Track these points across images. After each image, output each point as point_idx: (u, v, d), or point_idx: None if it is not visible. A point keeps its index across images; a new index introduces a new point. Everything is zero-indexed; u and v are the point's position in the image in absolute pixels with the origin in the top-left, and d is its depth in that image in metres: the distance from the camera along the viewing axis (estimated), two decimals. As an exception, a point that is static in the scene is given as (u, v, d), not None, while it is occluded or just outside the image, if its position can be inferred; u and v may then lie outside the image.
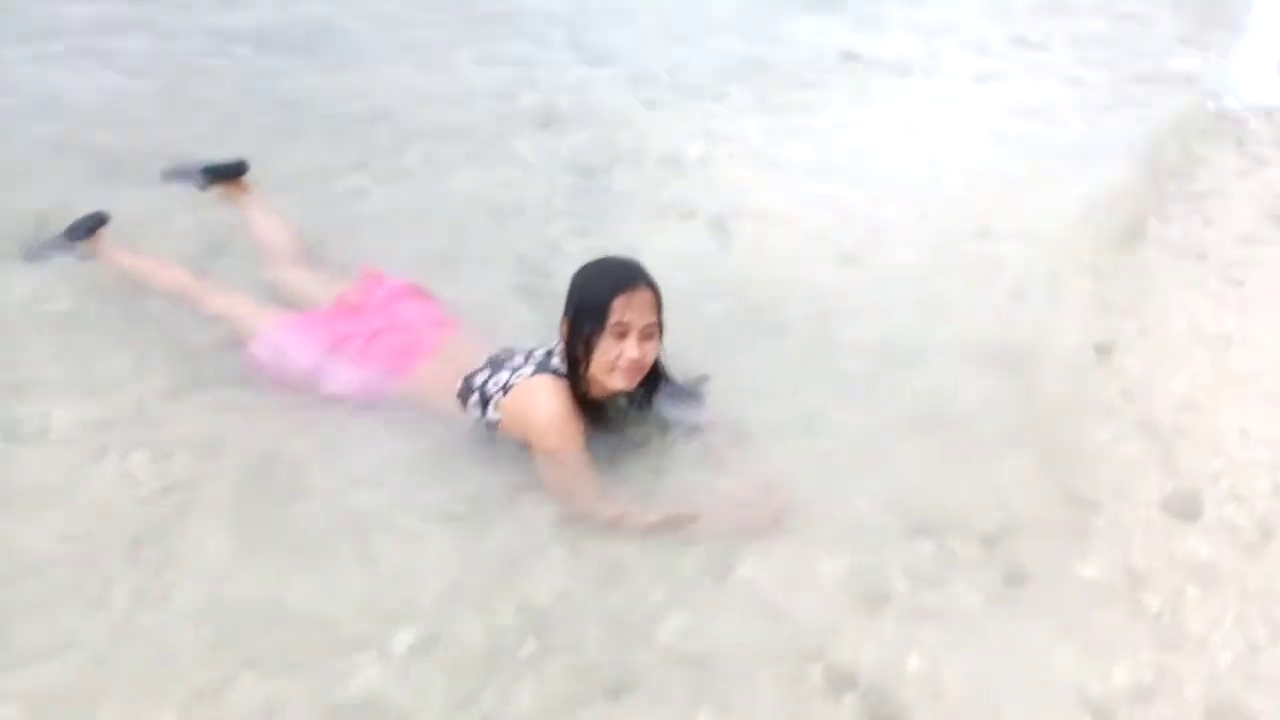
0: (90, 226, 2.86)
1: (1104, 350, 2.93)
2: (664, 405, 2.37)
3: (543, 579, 1.96)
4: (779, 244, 3.48)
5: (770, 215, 3.67)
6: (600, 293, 2.10)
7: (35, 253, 2.86)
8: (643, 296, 2.12)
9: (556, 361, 2.20)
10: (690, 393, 2.41)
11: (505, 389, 2.19)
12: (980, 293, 3.19)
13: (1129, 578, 2.10)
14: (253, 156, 3.53)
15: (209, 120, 3.99)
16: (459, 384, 2.27)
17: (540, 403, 2.13)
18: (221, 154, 3.43)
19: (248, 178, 3.15)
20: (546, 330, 2.30)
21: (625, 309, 2.08)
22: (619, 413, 2.31)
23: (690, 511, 2.14)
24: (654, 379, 2.29)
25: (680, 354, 2.38)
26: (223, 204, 3.09)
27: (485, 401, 2.21)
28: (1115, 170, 4.18)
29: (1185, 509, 2.31)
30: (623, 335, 2.09)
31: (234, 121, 4.01)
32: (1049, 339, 2.96)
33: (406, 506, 2.10)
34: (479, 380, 2.25)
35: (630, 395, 2.27)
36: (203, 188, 3.09)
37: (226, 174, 3.11)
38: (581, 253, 3.18)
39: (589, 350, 2.11)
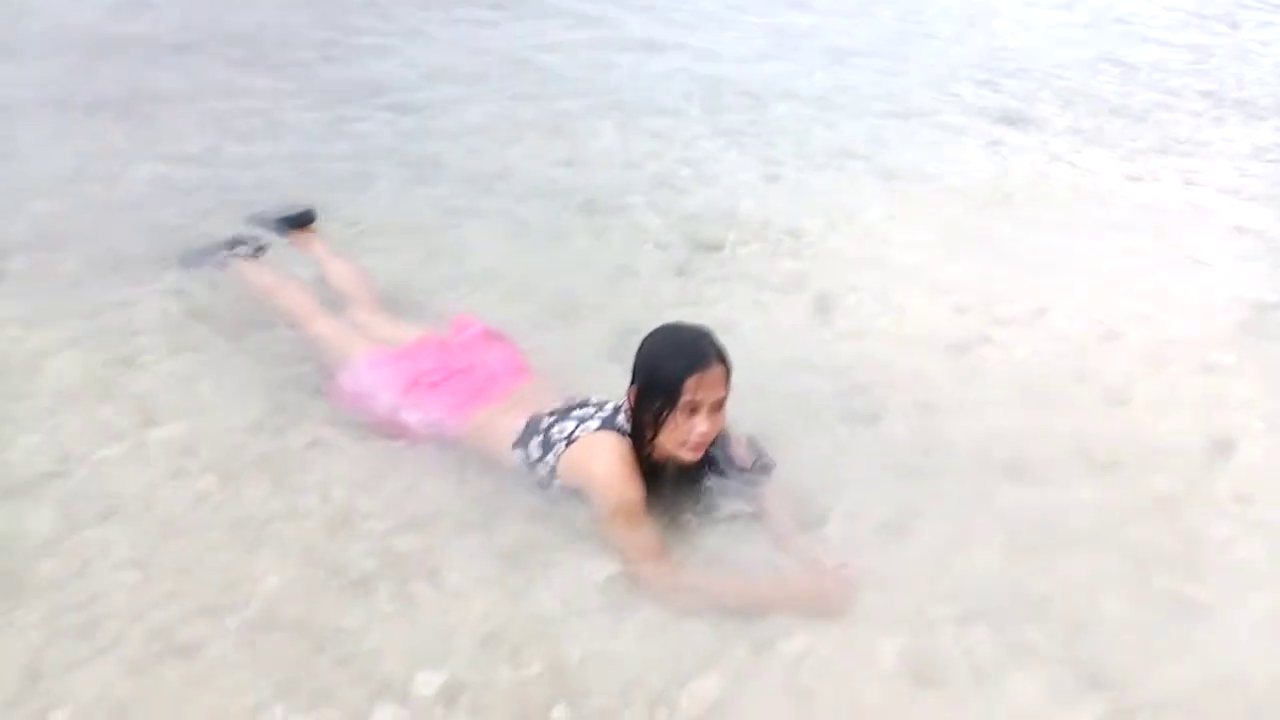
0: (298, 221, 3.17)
1: (1223, 447, 2.71)
2: (721, 472, 2.30)
3: (580, 637, 1.91)
4: (887, 328, 3.38)
5: (882, 297, 3.58)
6: (673, 371, 2.04)
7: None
8: (715, 374, 2.06)
9: (622, 420, 2.17)
10: (750, 470, 2.33)
11: (570, 440, 2.17)
12: (1093, 391, 3.01)
13: (1240, 689, 1.90)
14: (371, 211, 3.77)
15: (339, 174, 4.20)
16: (522, 426, 2.25)
17: (603, 459, 2.09)
18: (350, 205, 3.65)
19: (317, 226, 3.32)
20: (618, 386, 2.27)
21: (698, 388, 2.03)
22: (676, 476, 2.24)
23: (752, 586, 2.07)
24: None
25: (768, 433, 2.33)
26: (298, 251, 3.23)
27: (547, 446, 2.19)
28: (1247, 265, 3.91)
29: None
30: (694, 412, 2.04)
31: (363, 177, 4.21)
32: (1162, 437, 2.78)
33: (454, 553, 2.09)
34: (544, 424, 2.23)
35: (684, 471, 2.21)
36: (282, 233, 3.24)
37: (298, 223, 3.28)
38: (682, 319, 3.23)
39: (657, 424, 2.07)
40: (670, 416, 2.05)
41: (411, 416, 2.38)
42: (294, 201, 3.37)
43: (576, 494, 2.14)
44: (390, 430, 2.40)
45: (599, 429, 2.16)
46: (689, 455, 2.09)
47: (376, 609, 1.93)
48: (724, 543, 2.20)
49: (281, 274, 2.97)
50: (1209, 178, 5.22)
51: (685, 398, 2.02)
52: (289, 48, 5.93)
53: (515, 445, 2.24)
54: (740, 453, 2.33)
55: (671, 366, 2.05)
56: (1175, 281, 3.86)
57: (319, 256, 3.16)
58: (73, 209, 3.54)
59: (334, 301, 2.91)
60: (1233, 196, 4.96)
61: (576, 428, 2.18)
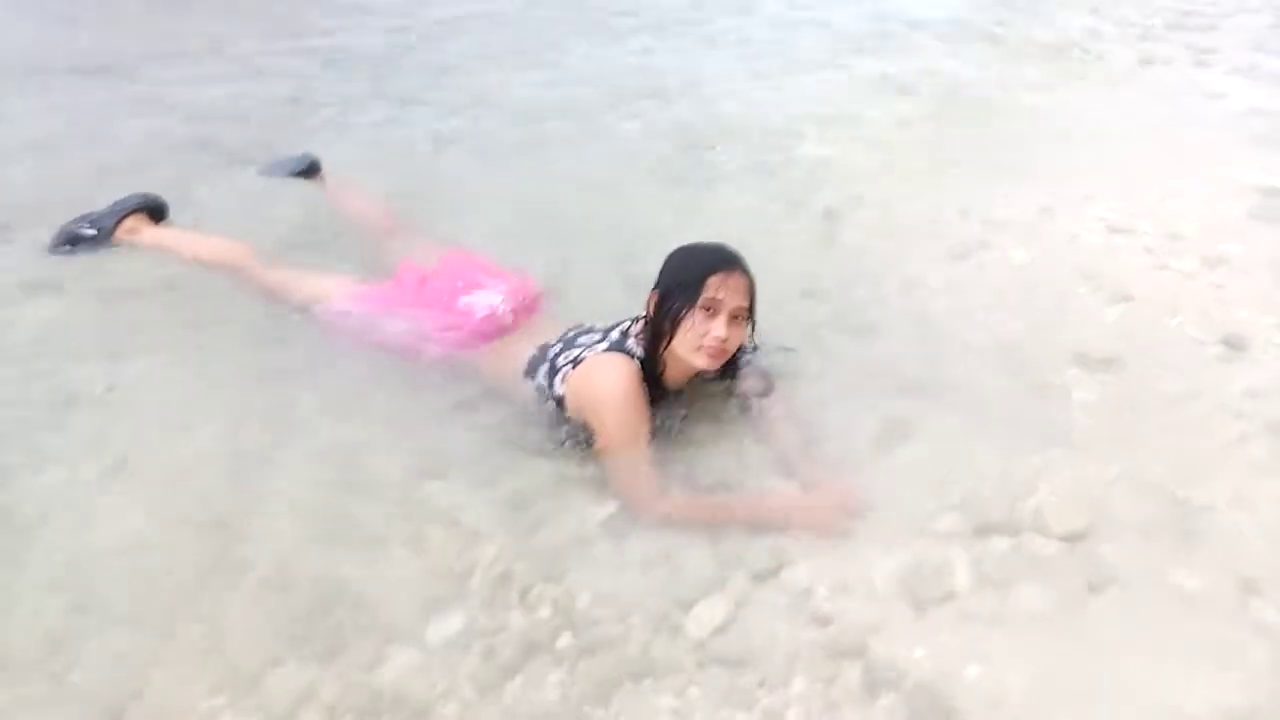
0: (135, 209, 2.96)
1: (1231, 343, 2.67)
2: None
3: (587, 572, 1.93)
4: (886, 234, 3.34)
5: (881, 203, 3.53)
6: (696, 268, 2.08)
7: (63, 236, 2.92)
8: (738, 280, 2.09)
9: (631, 343, 2.17)
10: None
11: (575, 362, 2.17)
12: (1097, 290, 2.96)
13: (1242, 587, 1.90)
14: (360, 148, 3.71)
15: (329, 114, 4.13)
16: (532, 354, 2.25)
17: (608, 380, 2.09)
18: (333, 143, 3.60)
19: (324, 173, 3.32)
20: (631, 307, 2.28)
21: (720, 287, 2.05)
22: (686, 395, 2.26)
23: (753, 506, 2.08)
24: (730, 369, 2.25)
25: (765, 344, 2.34)
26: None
27: (553, 373, 2.20)
28: (1258, 150, 3.80)
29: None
30: (713, 314, 2.06)
31: (349, 115, 4.13)
32: (1167, 335, 2.73)
33: (461, 499, 2.10)
34: (551, 352, 2.24)
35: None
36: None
37: (306, 173, 3.30)
38: (673, 229, 3.18)
39: (675, 325, 2.07)
40: (689, 314, 2.05)
41: (416, 344, 2.37)
42: (289, 153, 3.36)
43: (583, 421, 2.14)
44: (396, 351, 2.40)
45: (606, 350, 2.16)
46: (704, 360, 2.08)
47: (386, 558, 1.96)
48: (728, 464, 2.21)
49: (188, 230, 2.92)
50: (1222, 57, 5.03)
51: (706, 294, 2.04)
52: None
53: (526, 374, 2.25)
54: (751, 384, 2.33)
55: (695, 264, 2.09)
56: (1183, 171, 3.76)
57: (337, 200, 3.16)
58: (59, 172, 3.51)
59: (369, 238, 2.92)
60: (1245, 77, 4.78)
61: (583, 352, 2.19)
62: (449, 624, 1.81)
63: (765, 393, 2.33)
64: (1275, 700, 1.68)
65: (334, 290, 2.55)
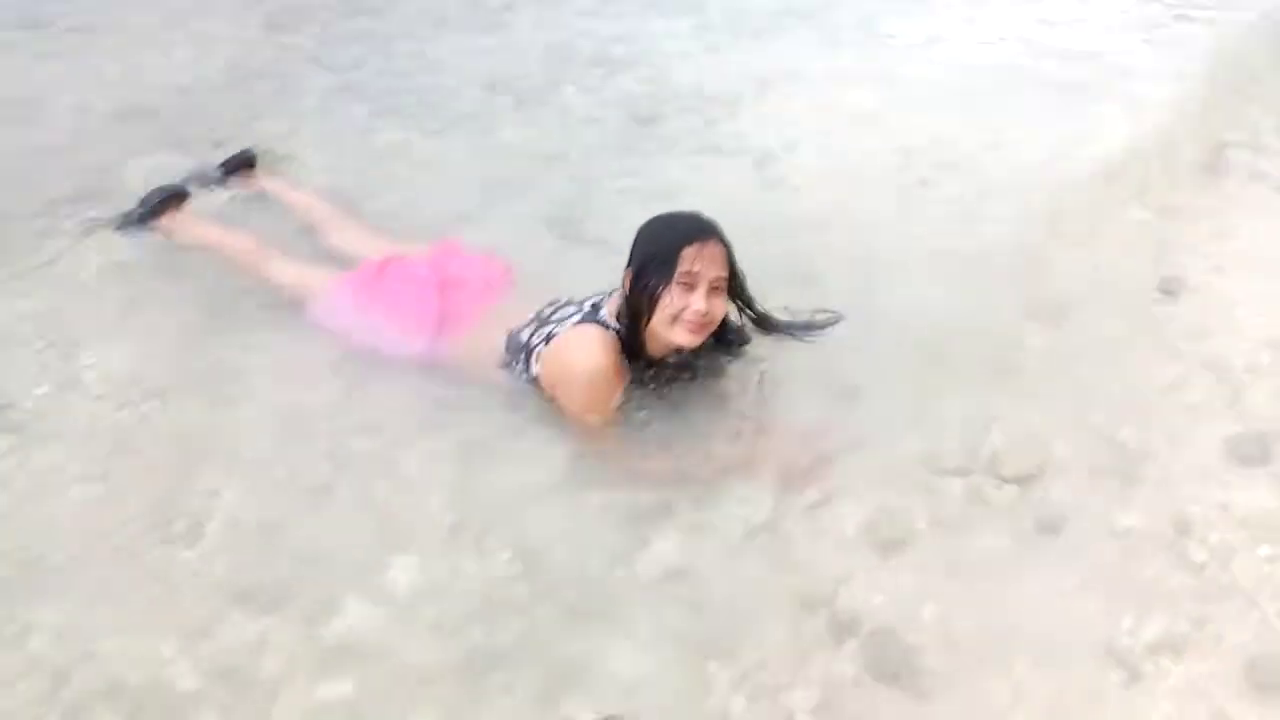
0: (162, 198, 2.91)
1: (1172, 286, 2.71)
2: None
3: (545, 518, 1.93)
4: (829, 184, 3.32)
5: (824, 152, 3.52)
6: (670, 241, 1.99)
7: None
8: (714, 249, 2.01)
9: (604, 314, 2.10)
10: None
11: (549, 339, 2.11)
12: (1042, 235, 2.99)
13: (1176, 527, 1.95)
14: (303, 122, 3.64)
15: (267, 90, 4.05)
16: (503, 344, 2.20)
17: (581, 352, 2.02)
18: (276, 117, 3.52)
19: (260, 163, 3.21)
20: (581, 271, 2.25)
21: (695, 259, 1.97)
22: (671, 372, 2.21)
23: (710, 464, 2.08)
24: (717, 340, 2.20)
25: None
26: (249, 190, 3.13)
27: (528, 355, 2.13)
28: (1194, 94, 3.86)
29: (1250, 455, 2.11)
30: (691, 287, 1.97)
31: (290, 89, 4.06)
32: (1112, 281, 2.76)
33: (409, 451, 2.09)
34: (524, 335, 2.17)
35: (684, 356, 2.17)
36: (221, 183, 3.13)
37: (238, 165, 3.16)
38: (621, 193, 3.16)
39: (653, 301, 1.98)
40: (666, 290, 1.97)
41: (393, 345, 2.32)
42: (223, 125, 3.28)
43: (553, 390, 2.10)
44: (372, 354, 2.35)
45: (580, 322, 2.10)
46: (685, 336, 2.01)
47: (336, 510, 1.95)
48: (701, 418, 2.20)
49: (212, 222, 2.88)
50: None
51: (682, 268, 1.96)
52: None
53: (502, 365, 2.19)
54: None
55: (669, 237, 2.01)
56: (1128, 120, 3.79)
57: (272, 192, 3.07)
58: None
59: (307, 230, 2.86)
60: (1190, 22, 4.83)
61: (554, 328, 2.13)
62: (404, 573, 1.80)
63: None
64: (1199, 630, 1.73)
65: (323, 286, 2.49)
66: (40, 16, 4.57)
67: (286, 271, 2.58)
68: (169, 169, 3.14)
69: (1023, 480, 2.05)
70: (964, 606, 1.78)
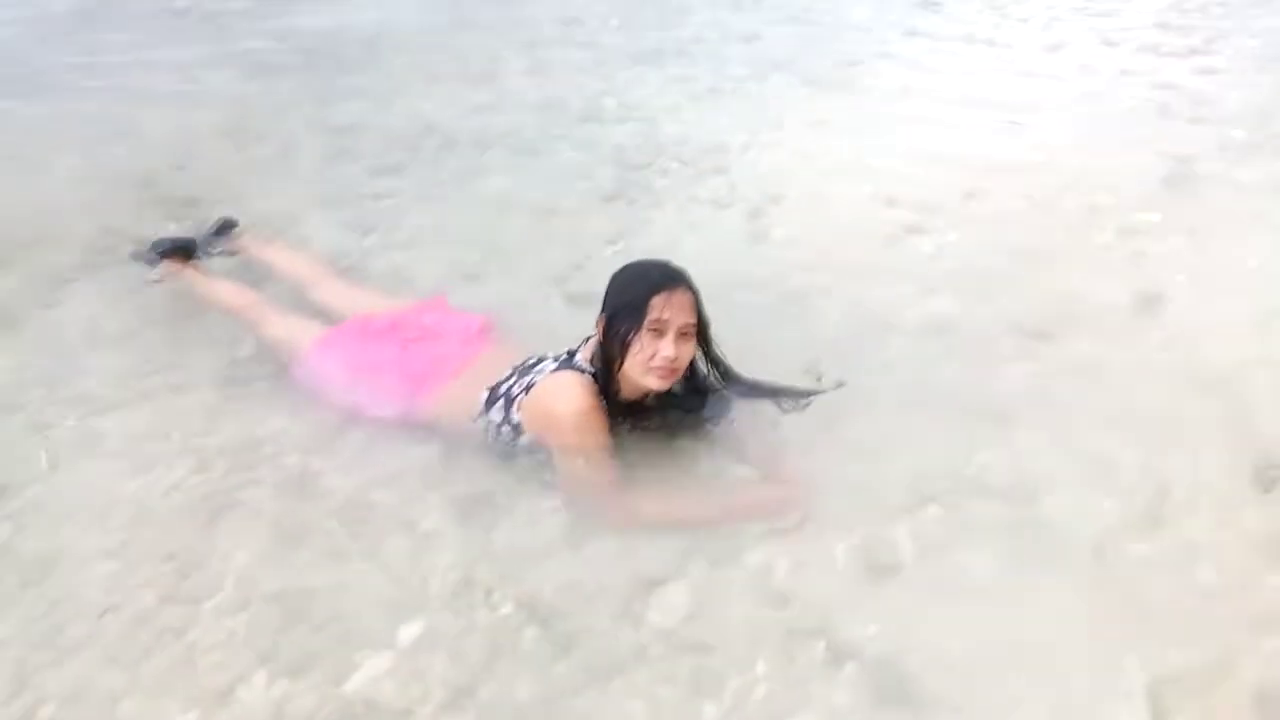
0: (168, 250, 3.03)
1: (1149, 303, 2.81)
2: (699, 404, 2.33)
3: (547, 570, 1.97)
4: (817, 230, 3.42)
5: (811, 200, 3.62)
6: (639, 290, 2.08)
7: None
8: (682, 297, 2.09)
9: (580, 359, 2.18)
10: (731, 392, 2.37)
11: (528, 389, 2.17)
12: (1023, 264, 3.08)
13: (1184, 550, 1.99)
14: (302, 182, 3.71)
15: (269, 147, 4.13)
16: (483, 399, 2.25)
17: (561, 397, 2.09)
18: (277, 180, 3.61)
19: (242, 226, 3.28)
20: (580, 327, 2.30)
21: (664, 306, 2.05)
22: (647, 413, 2.27)
23: (710, 503, 2.14)
24: (689, 382, 2.26)
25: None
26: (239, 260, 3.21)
27: (509, 404, 2.19)
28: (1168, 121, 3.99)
29: (1253, 477, 2.15)
30: (660, 334, 2.06)
31: (288, 150, 4.15)
32: (1090, 302, 2.85)
33: (416, 508, 2.14)
34: (502, 389, 2.23)
35: (660, 397, 2.23)
36: (211, 248, 3.20)
37: (222, 230, 3.23)
38: (612, 245, 3.25)
39: (625, 348, 2.07)
40: (636, 337, 2.05)
41: (371, 406, 2.38)
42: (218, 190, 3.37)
43: (540, 440, 2.15)
44: (352, 414, 2.41)
45: (556, 369, 2.18)
46: (655, 381, 2.09)
47: (348, 569, 1.99)
48: (686, 460, 2.26)
49: (214, 278, 2.97)
50: (1129, 35, 5.25)
51: (652, 315, 2.04)
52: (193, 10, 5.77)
53: (477, 417, 2.25)
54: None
55: (639, 286, 2.09)
56: (1100, 145, 3.92)
57: (258, 256, 3.15)
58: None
59: (293, 290, 2.92)
60: (1152, 54, 5.00)
61: (534, 376, 2.19)
62: (414, 628, 1.83)
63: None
64: (1209, 656, 1.75)
65: (306, 344, 2.55)
66: (43, 79, 4.68)
67: (277, 329, 2.66)
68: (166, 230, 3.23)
69: (1014, 503, 2.10)
70: (961, 630, 1.81)
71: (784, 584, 1.94)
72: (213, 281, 2.96)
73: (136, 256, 3.07)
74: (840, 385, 2.46)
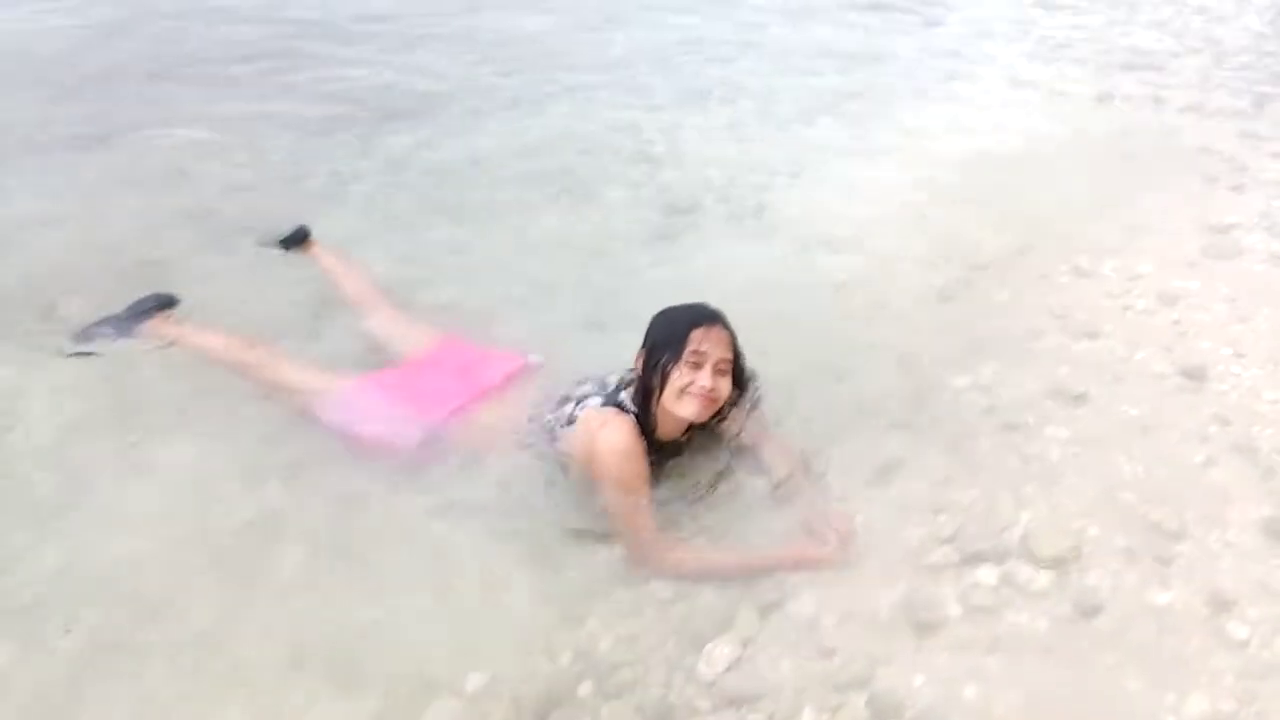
0: (151, 308, 2.99)
1: (1195, 375, 2.84)
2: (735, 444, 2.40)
3: (604, 620, 2.04)
4: (868, 279, 3.46)
5: (860, 248, 3.67)
6: (680, 324, 2.19)
7: (84, 337, 2.91)
8: (720, 333, 2.20)
9: (624, 397, 2.25)
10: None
11: (571, 421, 2.25)
12: (1066, 328, 3.13)
13: (1213, 605, 2.04)
14: (353, 217, 3.83)
15: (318, 187, 4.27)
16: (525, 424, 2.34)
17: (604, 434, 2.16)
18: (328, 220, 3.72)
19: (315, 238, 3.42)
20: (620, 362, 2.37)
21: (703, 339, 2.16)
22: (685, 451, 2.35)
23: (751, 555, 2.19)
24: (722, 418, 2.33)
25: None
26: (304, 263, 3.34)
27: (552, 437, 2.28)
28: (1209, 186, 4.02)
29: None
30: (698, 365, 2.15)
31: (340, 186, 4.28)
32: (1132, 368, 2.89)
33: (480, 548, 2.21)
34: (547, 417, 2.32)
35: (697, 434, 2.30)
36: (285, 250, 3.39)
37: (296, 240, 3.41)
38: (659, 284, 3.31)
39: (664, 379, 2.16)
40: (675, 368, 2.15)
41: (407, 431, 2.41)
42: (280, 222, 3.48)
43: (585, 478, 2.22)
44: (382, 451, 2.43)
45: (601, 405, 2.24)
46: (691, 410, 2.16)
47: (408, 612, 2.07)
48: (730, 513, 2.31)
49: (205, 326, 2.93)
50: (1175, 94, 5.28)
51: (690, 347, 2.14)
52: (249, 62, 5.93)
53: (519, 444, 2.32)
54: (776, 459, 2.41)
55: (679, 321, 2.20)
56: (1142, 209, 3.95)
57: (326, 268, 3.26)
58: (59, 253, 3.58)
59: (356, 311, 3.03)
60: (1196, 114, 5.02)
61: (575, 409, 2.26)
62: (479, 673, 1.91)
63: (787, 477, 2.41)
64: (1245, 707, 1.81)
65: (329, 391, 2.57)
66: (101, 126, 4.84)
67: (294, 376, 2.65)
68: (225, 264, 3.38)
69: (1054, 563, 2.14)
70: (1006, 687, 1.87)
71: (830, 635, 2.01)
72: (211, 334, 2.89)
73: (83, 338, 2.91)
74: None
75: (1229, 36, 6.29)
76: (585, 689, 1.89)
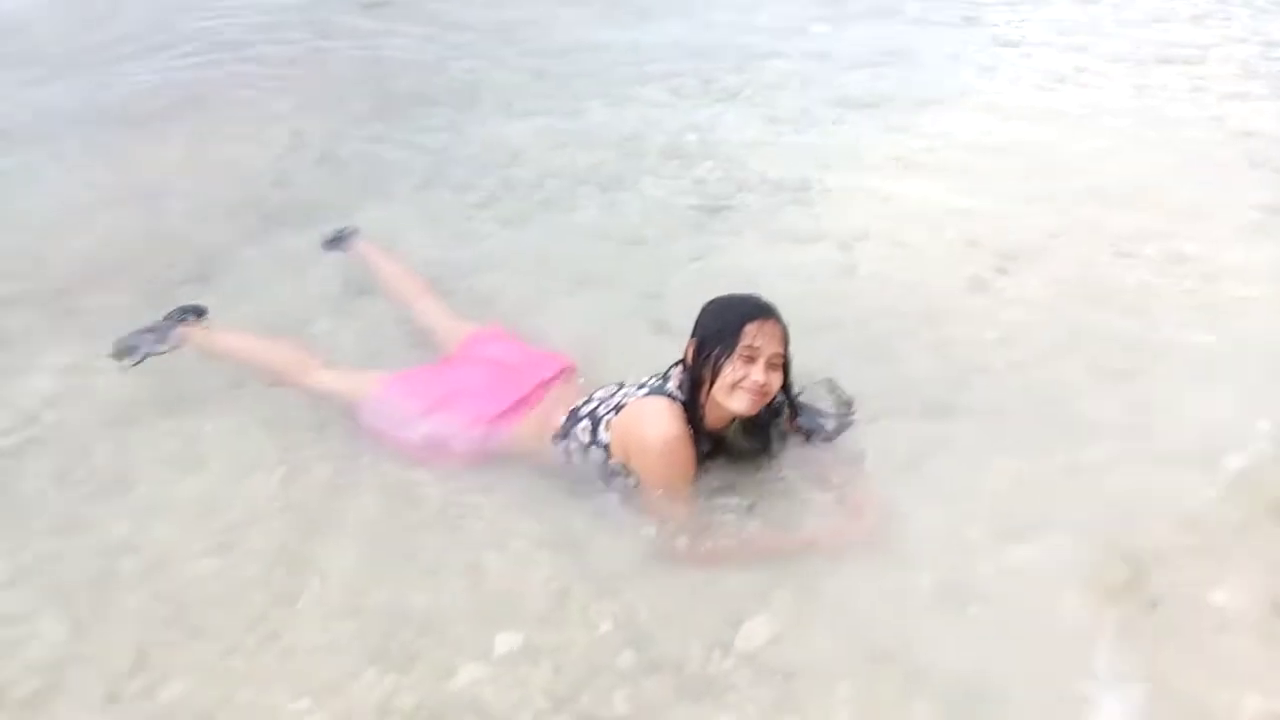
0: (182, 317, 3.05)
1: (1239, 348, 2.80)
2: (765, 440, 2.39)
3: (643, 592, 2.06)
4: (901, 269, 3.45)
5: (894, 239, 3.66)
6: (733, 317, 2.16)
7: (126, 345, 2.96)
8: (773, 327, 2.17)
9: (671, 386, 2.23)
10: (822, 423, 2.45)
11: (617, 409, 2.23)
12: (1110, 309, 3.09)
13: (1272, 605, 2.00)
14: (394, 209, 3.90)
15: (359, 179, 4.34)
16: (561, 422, 2.33)
17: (651, 422, 2.14)
18: (372, 202, 3.78)
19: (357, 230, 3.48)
20: (662, 354, 2.37)
21: (757, 334, 2.13)
22: (732, 443, 2.33)
23: (786, 537, 2.20)
24: (772, 414, 2.32)
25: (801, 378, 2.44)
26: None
27: (595, 424, 2.25)
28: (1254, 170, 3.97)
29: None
30: (751, 360, 2.13)
31: (381, 179, 4.34)
32: (1178, 345, 2.85)
33: (513, 529, 2.25)
34: (586, 409, 2.30)
35: (745, 427, 2.29)
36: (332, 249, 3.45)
37: (340, 240, 3.47)
38: (697, 278, 3.32)
39: (715, 371, 2.13)
40: (728, 360, 2.12)
41: (448, 438, 2.42)
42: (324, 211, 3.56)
43: (627, 463, 2.21)
44: (424, 455, 2.44)
45: (647, 394, 2.23)
46: (743, 404, 2.13)
47: (447, 584, 2.10)
48: (770, 502, 2.30)
49: (241, 333, 2.96)
50: (1215, 84, 5.19)
51: (744, 342, 2.12)
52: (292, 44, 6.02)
53: (556, 439, 2.32)
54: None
55: (733, 313, 2.18)
56: (1184, 192, 3.89)
57: (368, 259, 3.31)
58: (114, 237, 3.70)
59: (394, 300, 3.08)
60: (1239, 101, 4.94)
61: (621, 398, 2.25)
62: (513, 639, 1.94)
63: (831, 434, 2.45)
64: None
65: (370, 390, 2.57)
66: (148, 115, 4.96)
67: (332, 380, 2.67)
68: (276, 250, 3.44)
69: (1096, 542, 2.12)
70: (1040, 663, 1.87)
71: (865, 612, 2.01)
72: (242, 338, 2.93)
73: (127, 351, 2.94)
74: (850, 409, 2.50)
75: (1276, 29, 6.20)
76: (626, 658, 1.91)
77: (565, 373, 2.58)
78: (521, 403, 2.43)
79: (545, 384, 2.50)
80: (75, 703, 1.87)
